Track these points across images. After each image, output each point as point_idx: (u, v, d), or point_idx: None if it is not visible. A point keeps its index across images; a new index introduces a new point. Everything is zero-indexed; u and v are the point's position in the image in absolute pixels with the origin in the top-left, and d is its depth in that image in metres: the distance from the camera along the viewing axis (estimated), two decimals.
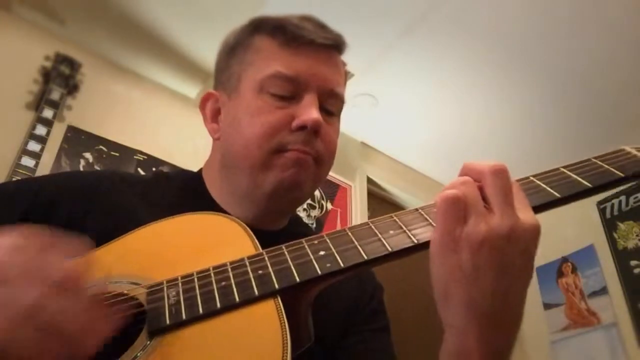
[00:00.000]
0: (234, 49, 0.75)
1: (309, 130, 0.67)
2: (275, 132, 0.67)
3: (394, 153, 3.13)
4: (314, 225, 2.57)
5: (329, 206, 2.72)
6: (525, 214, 0.46)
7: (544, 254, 3.08)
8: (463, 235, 0.44)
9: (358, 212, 2.82)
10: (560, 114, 2.70)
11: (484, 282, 0.43)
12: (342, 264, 0.48)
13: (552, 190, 0.51)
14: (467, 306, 0.44)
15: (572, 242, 2.94)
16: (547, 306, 2.97)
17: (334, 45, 0.73)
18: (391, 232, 0.51)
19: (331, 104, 0.73)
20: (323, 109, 0.71)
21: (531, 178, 0.54)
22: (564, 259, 2.98)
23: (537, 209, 0.50)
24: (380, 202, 3.12)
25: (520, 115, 2.75)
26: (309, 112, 0.67)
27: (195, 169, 0.83)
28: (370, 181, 3.04)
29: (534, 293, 3.09)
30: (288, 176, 0.67)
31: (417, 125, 2.88)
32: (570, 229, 2.90)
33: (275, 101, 0.69)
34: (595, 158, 0.55)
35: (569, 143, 2.80)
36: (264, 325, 0.44)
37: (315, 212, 2.63)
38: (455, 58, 2.42)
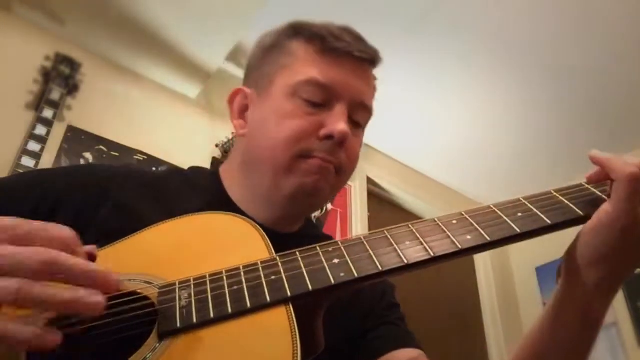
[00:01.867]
0: (270, 50, 0.76)
1: (335, 141, 0.68)
2: (302, 137, 0.68)
3: (394, 153, 3.13)
4: None
5: (329, 206, 2.72)
6: None
7: (544, 254, 3.08)
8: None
9: (358, 212, 2.82)
10: (563, 115, 2.70)
11: (634, 259, 0.53)
12: (356, 274, 0.48)
13: (575, 208, 0.53)
14: (615, 273, 0.53)
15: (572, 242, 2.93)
16: None
17: (370, 60, 0.74)
18: (407, 242, 0.50)
19: (360, 115, 0.74)
20: (351, 120, 0.72)
21: (553, 193, 0.55)
22: None
23: (561, 226, 0.53)
24: (380, 202, 3.12)
25: (522, 115, 2.75)
26: (338, 123, 0.68)
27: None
28: (370, 181, 3.04)
29: (534, 293, 3.09)
30: (310, 182, 0.68)
31: (417, 125, 2.89)
32: (570, 229, 2.90)
33: (307, 107, 0.69)
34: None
35: (570, 143, 2.81)
36: (275, 333, 0.44)
37: (315, 212, 2.62)
38: (456, 58, 2.42)
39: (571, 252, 0.56)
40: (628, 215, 0.50)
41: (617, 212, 0.50)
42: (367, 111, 0.75)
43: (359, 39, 0.74)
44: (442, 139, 2.96)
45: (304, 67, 0.71)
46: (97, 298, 0.40)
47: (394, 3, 2.15)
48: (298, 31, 0.74)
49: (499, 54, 2.38)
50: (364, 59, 0.73)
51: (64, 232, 0.42)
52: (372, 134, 2.92)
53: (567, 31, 2.24)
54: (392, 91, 2.64)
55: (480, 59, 2.42)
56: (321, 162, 0.68)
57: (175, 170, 0.81)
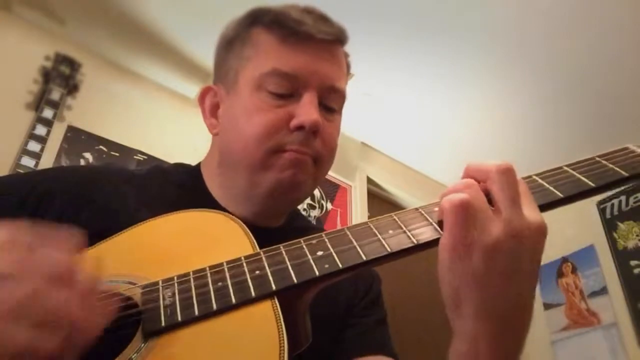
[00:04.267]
0: (232, 43, 0.73)
1: (307, 131, 0.66)
2: (273, 131, 0.66)
3: (394, 153, 3.13)
4: None
5: (329, 206, 2.72)
6: (532, 214, 0.45)
7: (544, 254, 3.08)
8: (475, 240, 0.43)
9: (358, 212, 2.82)
10: (562, 114, 2.70)
11: (497, 287, 0.43)
12: (340, 265, 0.48)
13: (554, 190, 0.51)
14: (479, 312, 0.43)
15: (572, 242, 2.94)
16: (547, 306, 2.97)
17: (335, 40, 0.71)
18: (390, 231, 0.50)
19: (332, 100, 0.71)
20: (323, 106, 0.69)
21: (534, 177, 0.53)
22: (564, 259, 2.98)
23: (540, 209, 0.50)
24: (380, 202, 3.12)
25: (522, 115, 2.75)
26: (308, 112, 0.65)
27: None
28: (370, 181, 3.04)
29: None
30: (286, 177, 0.66)
31: (417, 125, 2.88)
32: (570, 229, 2.90)
33: (273, 99, 0.67)
34: (600, 157, 0.55)
35: (570, 142, 2.80)
36: (261, 327, 0.44)
37: (315, 212, 2.62)
38: (456, 58, 2.42)
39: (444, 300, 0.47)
40: (458, 245, 0.43)
41: (445, 245, 0.44)
42: (339, 94, 0.71)
43: (321, 18, 0.70)
44: (443, 139, 2.96)
45: (266, 57, 0.68)
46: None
47: (394, 3, 2.15)
48: (257, 19, 0.71)
49: (500, 54, 2.38)
50: (327, 40, 0.69)
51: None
52: (372, 134, 2.95)
53: (564, 30, 2.24)
54: (393, 91, 2.64)
55: (481, 59, 2.41)
56: (295, 154, 0.66)
57: (156, 168, 0.79)
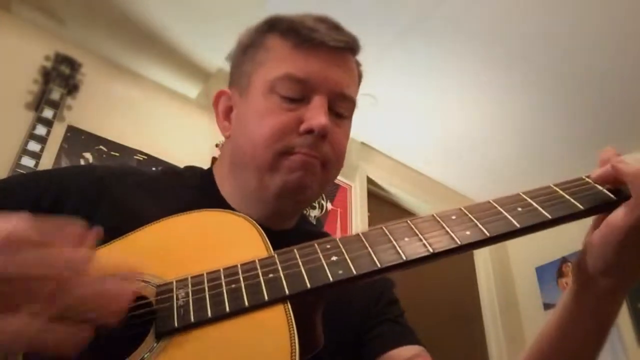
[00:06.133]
0: (247, 48, 0.75)
1: (316, 135, 0.67)
2: (282, 134, 0.67)
3: (394, 153, 3.13)
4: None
5: (329, 206, 2.72)
6: None
7: (544, 254, 3.08)
8: None
9: (358, 212, 2.82)
10: (562, 114, 2.70)
11: None
12: (354, 272, 0.47)
13: (576, 202, 0.50)
14: (629, 278, 0.53)
15: (572, 242, 2.91)
16: (547, 306, 2.97)
17: (346, 48, 0.73)
18: (406, 239, 0.50)
19: (341, 106, 0.72)
20: (333, 112, 0.71)
21: (553, 187, 0.53)
22: (564, 259, 2.98)
23: (561, 220, 0.50)
24: (380, 202, 3.12)
25: (521, 115, 2.75)
26: (317, 116, 0.67)
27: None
28: (370, 181, 3.04)
29: (534, 293, 3.09)
30: (293, 179, 0.67)
31: (417, 125, 2.88)
32: (570, 229, 2.89)
33: (285, 103, 0.68)
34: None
35: (571, 143, 2.81)
36: (273, 331, 0.44)
37: (315, 212, 2.62)
38: (455, 58, 2.42)
39: (581, 263, 0.55)
40: None
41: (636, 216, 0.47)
42: (349, 101, 0.73)
43: (334, 27, 0.72)
44: (443, 139, 2.96)
45: (279, 62, 0.70)
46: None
47: (393, 2, 2.15)
48: (272, 26, 0.73)
49: (498, 54, 2.38)
50: (339, 47, 0.71)
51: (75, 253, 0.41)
52: (372, 134, 2.95)
53: (565, 30, 2.24)
54: (393, 92, 2.64)
55: (480, 59, 2.41)
56: (304, 157, 0.67)
57: (169, 170, 0.81)
